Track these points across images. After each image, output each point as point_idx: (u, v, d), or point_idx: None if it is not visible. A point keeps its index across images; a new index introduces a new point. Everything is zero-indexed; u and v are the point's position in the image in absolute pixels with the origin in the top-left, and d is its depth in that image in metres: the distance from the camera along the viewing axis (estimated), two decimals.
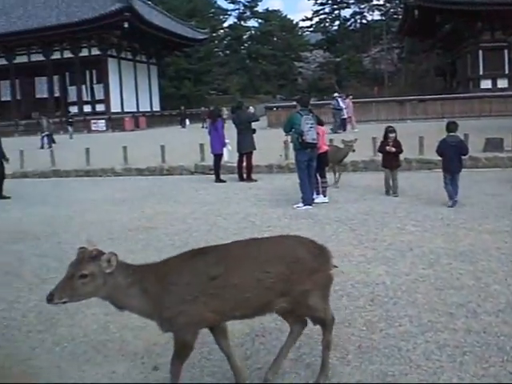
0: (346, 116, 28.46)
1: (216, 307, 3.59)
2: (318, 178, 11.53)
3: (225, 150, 15.67)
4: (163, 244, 8.32)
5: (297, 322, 4.10)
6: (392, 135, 11.62)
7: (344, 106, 28.39)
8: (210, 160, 16.49)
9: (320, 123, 11.58)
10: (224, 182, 15.13)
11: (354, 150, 13.41)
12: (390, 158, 11.71)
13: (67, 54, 51.42)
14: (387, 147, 11.63)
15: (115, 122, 47.51)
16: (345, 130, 27.56)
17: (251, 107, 16.72)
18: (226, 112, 17.63)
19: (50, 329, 5.45)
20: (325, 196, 11.52)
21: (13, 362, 4.79)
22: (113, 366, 4.55)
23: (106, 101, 50.93)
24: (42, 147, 29.83)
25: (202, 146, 17.92)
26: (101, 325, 5.36)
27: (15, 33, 48.87)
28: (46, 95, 53.10)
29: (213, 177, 15.60)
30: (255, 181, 14.86)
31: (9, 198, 14.25)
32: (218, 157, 15.56)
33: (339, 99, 28.86)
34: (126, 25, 45.89)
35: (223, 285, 3.56)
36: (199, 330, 3.73)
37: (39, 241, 9.18)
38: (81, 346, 5.02)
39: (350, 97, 30.90)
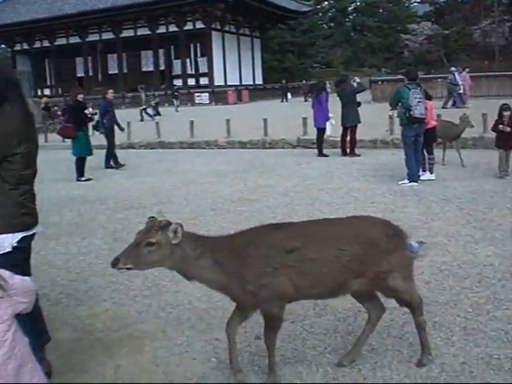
0: (462, 91, 27.32)
1: (296, 281, 3.54)
2: (425, 154, 11.22)
3: (328, 124, 15.46)
4: (265, 217, 8.34)
5: (374, 307, 4.03)
6: (507, 113, 10.99)
7: (460, 81, 27.27)
8: (312, 134, 16.37)
9: (428, 97, 11.23)
10: (327, 156, 14.99)
11: (472, 126, 12.81)
12: (505, 138, 11.09)
13: (172, 28, 52.39)
14: (501, 126, 11.04)
15: (218, 95, 48.09)
16: (462, 103, 26.47)
17: (356, 77, 16.39)
18: (328, 85, 17.47)
19: (155, 294, 5.61)
20: (431, 173, 11.20)
21: (120, 325, 4.96)
22: (216, 333, 4.62)
23: (209, 74, 51.63)
24: (142, 120, 30.75)
25: (304, 119, 17.81)
26: (204, 293, 5.43)
27: (122, 7, 50.28)
28: (151, 68, 54.47)
29: (315, 151, 15.49)
30: (358, 155, 14.66)
31: (123, 165, 14.89)
32: (321, 131, 15.41)
33: (456, 73, 27.70)
34: None
35: (301, 258, 3.53)
36: (285, 304, 3.69)
37: (145, 209, 9.43)
38: (185, 313, 5.13)
39: (467, 70, 29.49)
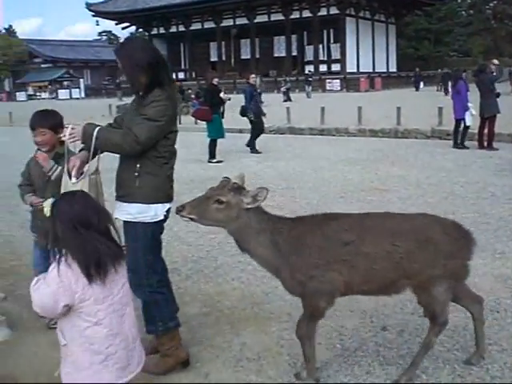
0: None
1: (347, 276, 3.40)
2: None
3: (467, 113, 14.67)
4: (397, 208, 8.15)
5: (471, 302, 3.80)
6: None
7: None
8: (447, 125, 15.87)
9: None
10: (465, 148, 14.39)
11: None
12: None
13: (306, 14, 52.37)
14: None
15: (350, 82, 47.72)
16: None
17: (495, 60, 15.57)
18: (463, 75, 16.83)
19: None
20: None
21: (246, 304, 5.07)
22: (342, 321, 4.60)
23: (341, 60, 51.27)
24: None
25: (440, 109, 17.32)
26: None
27: None
28: (283, 54, 54.85)
29: (450, 142, 14.96)
30: (496, 149, 13.97)
31: (260, 152, 14.99)
32: (459, 122, 14.81)
33: None
34: None
35: (355, 252, 3.37)
36: (334, 300, 3.54)
37: (274, 193, 9.52)
38: None
39: None
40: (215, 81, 14.60)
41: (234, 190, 3.37)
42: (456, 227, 3.60)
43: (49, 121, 4.37)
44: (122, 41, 4.21)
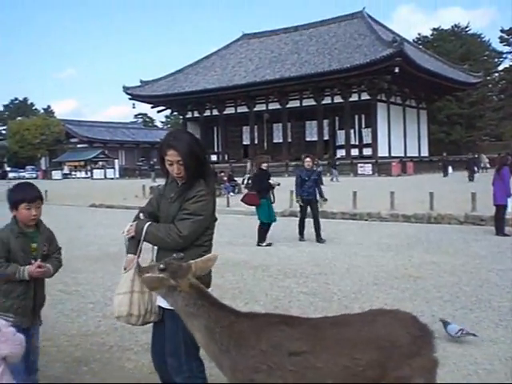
0: None
1: None
2: None
3: (510, 200, 14.44)
4: (431, 296, 8.02)
5: None
6: None
7: None
8: (482, 210, 15.72)
9: None
10: (507, 235, 13.98)
11: None
12: None
13: (337, 99, 53.59)
14: None
15: (382, 167, 48.02)
16: None
17: None
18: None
19: None
20: None
21: None
22: None
23: (373, 145, 51.89)
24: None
25: (473, 194, 17.23)
26: None
27: (289, 78, 52.42)
28: (315, 138, 55.85)
29: (485, 228, 14.77)
30: None
31: (304, 240, 14.63)
32: (501, 208, 14.53)
33: None
34: (396, 70, 46.51)
35: (304, 365, 3.15)
36: None
37: (307, 279, 9.45)
38: None
39: None
40: (264, 166, 14.49)
41: (160, 271, 3.39)
42: (415, 323, 3.41)
43: (40, 193, 4.30)
44: (172, 131, 4.35)
